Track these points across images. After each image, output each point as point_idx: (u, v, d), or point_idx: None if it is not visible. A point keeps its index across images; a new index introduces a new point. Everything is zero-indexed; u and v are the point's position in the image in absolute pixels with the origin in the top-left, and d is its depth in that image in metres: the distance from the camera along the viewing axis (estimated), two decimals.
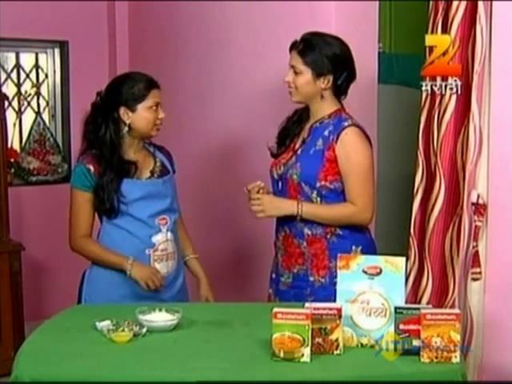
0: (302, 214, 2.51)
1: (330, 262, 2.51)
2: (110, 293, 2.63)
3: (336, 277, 2.43)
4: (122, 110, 2.62)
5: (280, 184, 2.62)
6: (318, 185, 2.52)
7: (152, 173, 2.71)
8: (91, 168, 2.61)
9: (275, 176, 2.65)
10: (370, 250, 2.54)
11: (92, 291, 2.68)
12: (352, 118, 2.57)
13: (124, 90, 2.63)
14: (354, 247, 2.54)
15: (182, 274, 2.79)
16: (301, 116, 2.67)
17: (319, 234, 2.53)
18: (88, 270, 2.72)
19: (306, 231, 2.54)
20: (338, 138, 2.50)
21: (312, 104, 2.60)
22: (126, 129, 2.63)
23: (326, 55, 2.52)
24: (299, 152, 2.59)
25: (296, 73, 2.54)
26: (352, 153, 2.51)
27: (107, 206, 2.59)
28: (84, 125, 2.69)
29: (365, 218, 2.54)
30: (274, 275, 2.71)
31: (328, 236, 2.53)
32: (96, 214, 2.68)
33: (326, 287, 2.52)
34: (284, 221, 2.59)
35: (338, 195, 2.54)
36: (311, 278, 2.55)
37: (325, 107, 2.58)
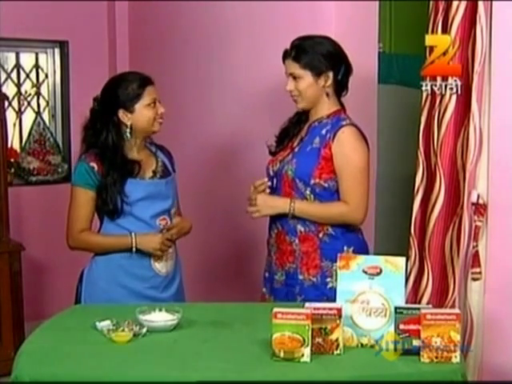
0: (294, 212, 2.53)
1: (322, 262, 2.53)
2: (109, 292, 2.63)
3: (328, 276, 2.49)
4: (121, 113, 2.63)
5: (275, 180, 2.63)
6: (312, 182, 2.53)
7: (154, 173, 2.72)
8: (95, 166, 2.61)
9: (271, 173, 2.67)
10: (361, 250, 2.54)
11: (91, 290, 2.67)
12: (350, 118, 2.58)
13: (119, 93, 2.63)
14: (345, 247, 2.54)
15: (179, 273, 2.80)
16: (300, 117, 2.69)
17: (312, 232, 2.54)
18: (86, 269, 2.71)
19: (299, 228, 2.55)
20: (334, 137, 2.51)
21: (316, 105, 2.60)
22: (128, 130, 2.64)
23: (320, 53, 2.54)
24: (296, 150, 2.61)
25: (296, 79, 2.55)
26: (348, 152, 2.52)
27: (110, 207, 2.60)
28: (83, 130, 2.70)
29: (356, 217, 2.54)
30: (267, 274, 2.72)
31: (320, 235, 2.54)
32: (96, 213, 2.68)
33: (317, 286, 2.53)
34: (277, 218, 2.60)
35: (332, 194, 2.55)
36: (300, 277, 2.56)
37: (325, 107, 2.59)
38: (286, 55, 2.59)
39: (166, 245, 2.63)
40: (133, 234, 2.60)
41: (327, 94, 2.57)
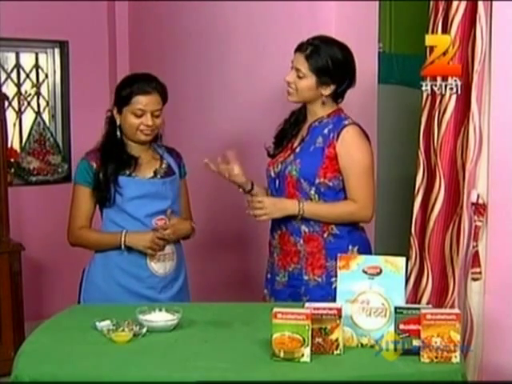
0: (303, 214, 2.52)
1: (327, 262, 2.53)
2: (106, 290, 2.64)
3: (333, 276, 2.48)
4: (115, 110, 2.67)
5: (277, 182, 2.63)
6: (316, 181, 2.52)
7: (155, 173, 2.72)
8: (94, 165, 2.63)
9: (272, 174, 2.66)
10: (366, 249, 2.56)
11: (89, 288, 2.69)
12: (351, 117, 2.58)
13: (119, 91, 2.67)
14: (350, 247, 2.54)
15: (183, 275, 2.79)
16: (297, 117, 2.68)
17: (316, 232, 2.54)
18: (87, 267, 2.73)
19: (303, 228, 2.55)
20: (338, 136, 2.51)
21: (310, 105, 2.61)
22: (118, 129, 2.67)
23: (333, 64, 2.52)
24: (298, 150, 2.60)
25: (299, 76, 2.54)
26: (353, 150, 2.52)
27: (103, 194, 2.62)
28: (107, 111, 2.75)
29: (366, 215, 2.55)
30: (269, 275, 2.71)
31: (325, 235, 2.54)
32: (98, 212, 2.69)
33: (322, 287, 2.52)
34: (281, 219, 2.59)
35: (337, 193, 2.55)
36: (305, 277, 2.55)
37: (323, 108, 2.59)
38: (300, 48, 2.56)
39: (157, 244, 2.62)
40: (124, 231, 2.61)
41: (322, 103, 2.57)
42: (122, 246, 2.61)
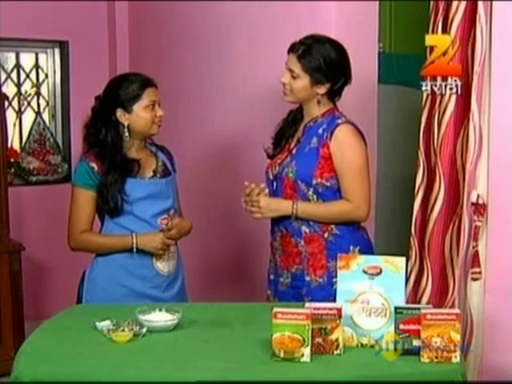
0: (297, 214, 2.52)
1: (328, 262, 2.52)
2: (110, 291, 2.64)
3: (334, 277, 2.47)
4: (119, 113, 2.64)
5: (275, 184, 2.63)
6: (313, 182, 2.53)
7: (155, 172, 2.72)
8: (94, 166, 2.62)
9: (270, 176, 2.66)
10: (367, 249, 2.55)
11: (92, 290, 2.68)
12: (345, 116, 2.59)
13: (119, 93, 2.64)
14: (351, 247, 2.54)
15: (182, 273, 2.80)
16: (295, 116, 2.69)
17: (317, 233, 2.54)
18: (88, 269, 2.72)
19: (304, 229, 2.55)
20: (331, 135, 2.51)
21: (306, 104, 2.61)
22: (126, 130, 2.64)
23: (325, 63, 2.52)
24: (294, 151, 2.60)
25: (293, 77, 2.55)
26: (346, 149, 2.52)
27: (111, 206, 2.60)
28: (84, 128, 2.71)
29: (361, 214, 2.55)
30: (272, 276, 2.71)
31: (325, 235, 2.54)
32: (97, 213, 2.68)
33: (323, 287, 2.52)
34: (280, 221, 2.59)
35: (335, 193, 2.55)
36: (307, 278, 2.55)
37: (319, 107, 2.59)
38: (292, 48, 2.56)
39: (167, 244, 2.63)
40: (134, 233, 2.61)
41: (318, 102, 2.57)
42: (134, 250, 2.61)
